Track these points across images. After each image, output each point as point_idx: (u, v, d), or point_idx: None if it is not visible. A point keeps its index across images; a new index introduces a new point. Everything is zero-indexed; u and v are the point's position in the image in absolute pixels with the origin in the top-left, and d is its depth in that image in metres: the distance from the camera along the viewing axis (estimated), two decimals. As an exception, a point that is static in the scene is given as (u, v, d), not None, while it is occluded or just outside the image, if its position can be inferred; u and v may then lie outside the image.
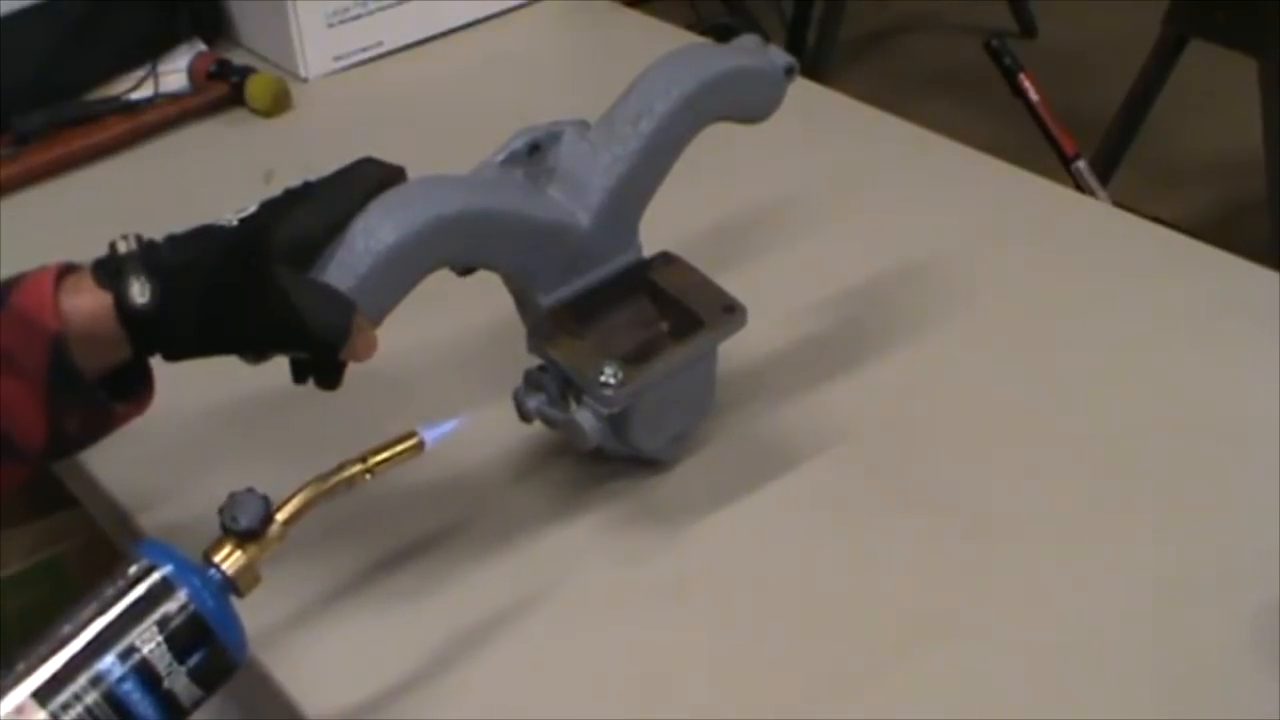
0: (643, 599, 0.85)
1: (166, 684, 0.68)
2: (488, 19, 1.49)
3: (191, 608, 0.68)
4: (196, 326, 0.76)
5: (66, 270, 0.76)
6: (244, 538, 0.72)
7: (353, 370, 0.82)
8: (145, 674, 0.67)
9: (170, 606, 0.68)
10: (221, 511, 0.72)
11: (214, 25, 1.46)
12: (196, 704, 0.69)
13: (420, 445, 0.77)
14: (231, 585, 0.71)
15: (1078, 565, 0.85)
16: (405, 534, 0.90)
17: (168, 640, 0.68)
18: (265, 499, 0.72)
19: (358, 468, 0.75)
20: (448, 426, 0.79)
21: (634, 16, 1.54)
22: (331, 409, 0.86)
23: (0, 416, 0.74)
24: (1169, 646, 0.80)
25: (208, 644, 0.69)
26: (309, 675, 0.82)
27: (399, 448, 0.77)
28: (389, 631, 0.84)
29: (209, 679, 0.69)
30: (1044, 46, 2.98)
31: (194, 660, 0.68)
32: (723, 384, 0.92)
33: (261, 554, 0.72)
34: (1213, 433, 0.94)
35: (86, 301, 0.74)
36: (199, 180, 1.25)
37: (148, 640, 0.67)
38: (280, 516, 0.73)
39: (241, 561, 0.71)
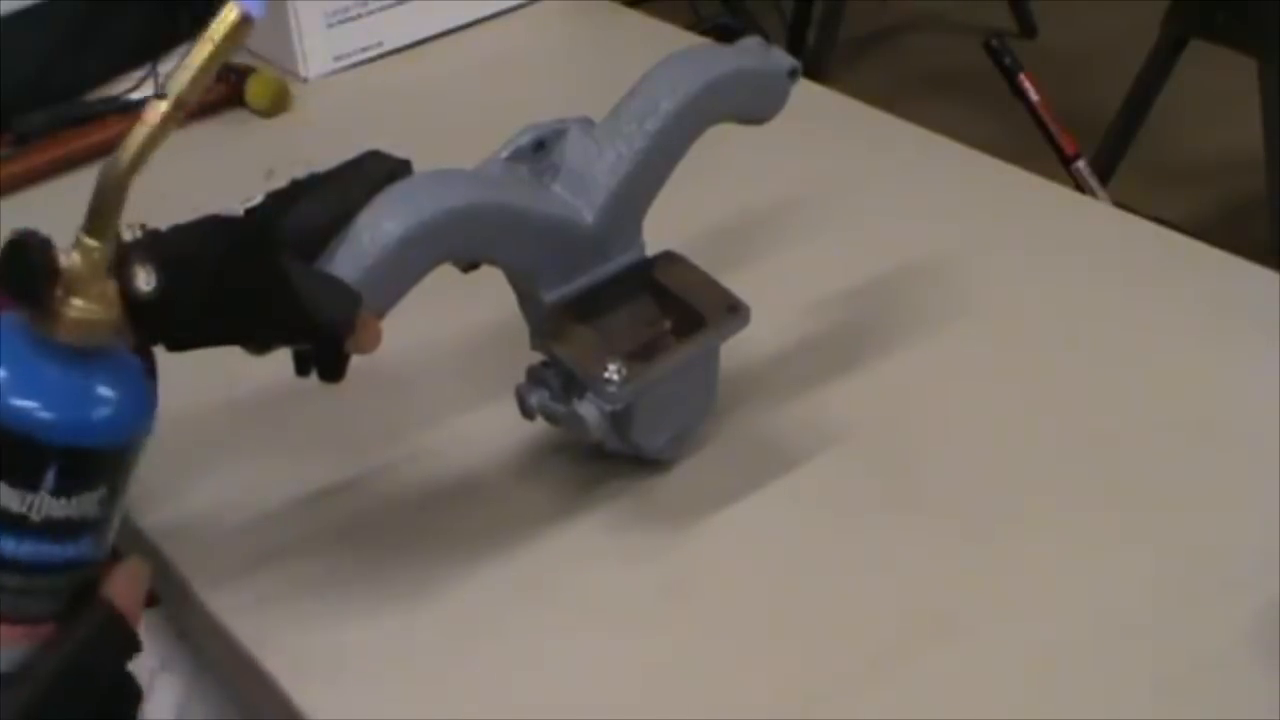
0: (643, 599, 0.85)
1: (35, 518, 0.59)
2: (488, 19, 1.49)
3: None
4: (201, 316, 0.76)
5: None
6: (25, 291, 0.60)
7: (354, 366, 0.82)
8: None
9: None
10: None
11: (214, 25, 1.46)
12: (104, 504, 0.62)
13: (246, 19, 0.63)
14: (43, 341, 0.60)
15: (1077, 565, 0.85)
16: (405, 533, 0.90)
17: None
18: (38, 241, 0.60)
19: (168, 105, 0.64)
20: None
21: (634, 16, 1.54)
22: (332, 405, 0.86)
23: None
24: (1169, 646, 0.80)
25: (39, 451, 0.58)
26: (309, 675, 0.82)
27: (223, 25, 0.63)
28: (389, 631, 0.84)
29: (80, 480, 0.60)
30: (1044, 46, 2.99)
31: (48, 478, 0.59)
32: (724, 383, 0.92)
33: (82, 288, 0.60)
34: (1213, 433, 0.94)
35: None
36: (199, 180, 1.25)
37: None
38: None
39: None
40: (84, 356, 0.62)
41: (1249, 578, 0.83)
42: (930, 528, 0.88)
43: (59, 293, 0.61)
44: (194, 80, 0.64)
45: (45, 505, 0.60)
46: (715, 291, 0.90)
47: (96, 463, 0.62)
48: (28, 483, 0.60)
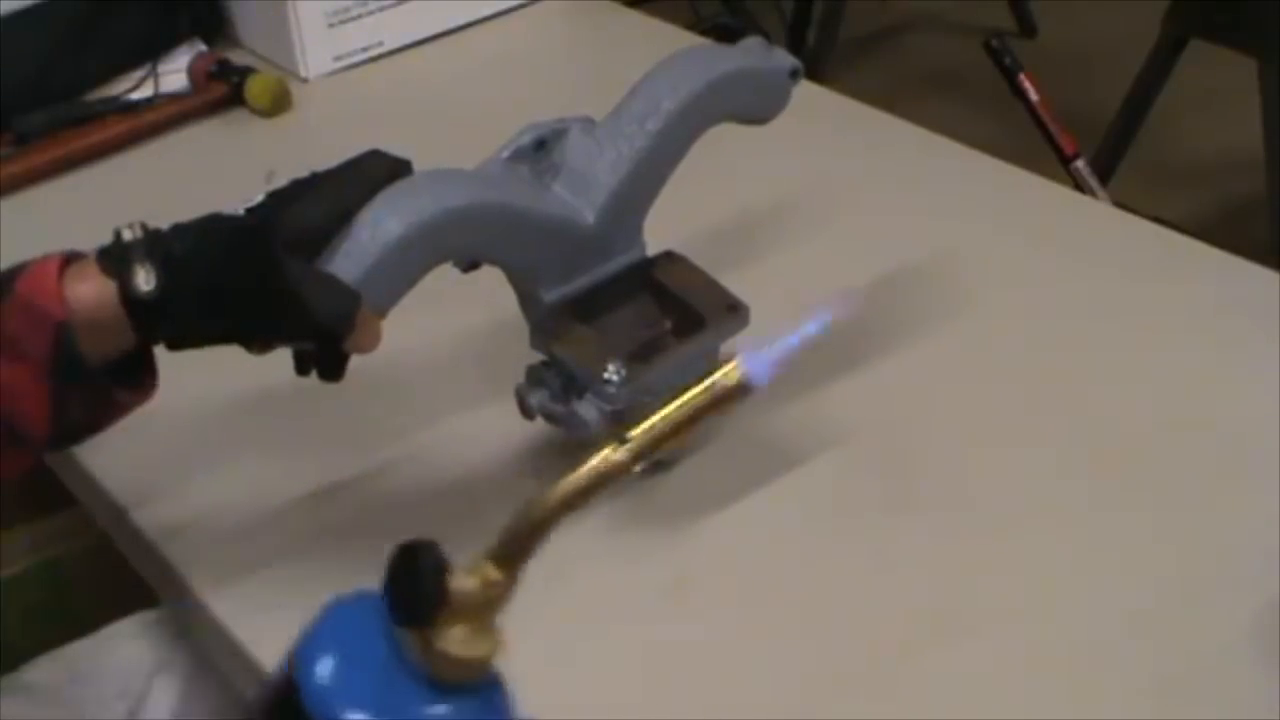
0: (643, 599, 0.85)
1: None
2: (488, 19, 1.49)
3: None
4: (200, 314, 0.76)
5: (71, 258, 0.76)
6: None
7: (353, 366, 0.82)
8: None
9: None
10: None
11: (214, 25, 1.46)
12: None
13: (744, 386, 0.55)
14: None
15: (1078, 565, 0.85)
16: (405, 533, 0.90)
17: None
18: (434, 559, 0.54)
19: (623, 455, 0.55)
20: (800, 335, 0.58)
21: (634, 16, 1.54)
22: (331, 405, 0.86)
23: (3, 403, 0.74)
24: (1169, 646, 0.80)
25: None
26: (309, 675, 0.82)
27: (711, 389, 0.54)
28: (389, 631, 0.84)
29: None
30: (1044, 46, 2.98)
31: None
32: (723, 383, 0.92)
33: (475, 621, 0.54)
34: (1213, 433, 0.94)
35: (91, 289, 0.74)
36: (199, 180, 1.25)
37: None
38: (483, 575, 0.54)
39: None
40: (448, 688, 0.54)
41: (1249, 578, 0.83)
42: (931, 527, 0.88)
43: (442, 616, 0.53)
44: (660, 437, 0.55)
45: None
46: (715, 291, 0.90)
47: None
48: None
